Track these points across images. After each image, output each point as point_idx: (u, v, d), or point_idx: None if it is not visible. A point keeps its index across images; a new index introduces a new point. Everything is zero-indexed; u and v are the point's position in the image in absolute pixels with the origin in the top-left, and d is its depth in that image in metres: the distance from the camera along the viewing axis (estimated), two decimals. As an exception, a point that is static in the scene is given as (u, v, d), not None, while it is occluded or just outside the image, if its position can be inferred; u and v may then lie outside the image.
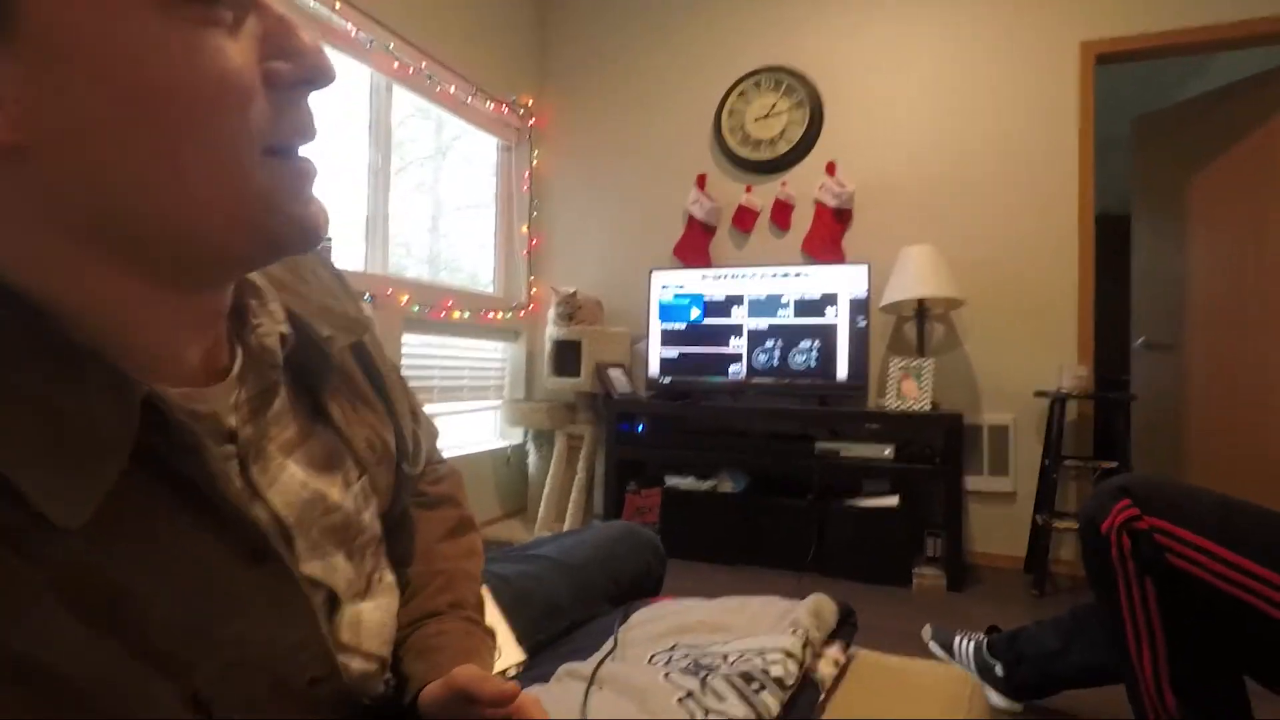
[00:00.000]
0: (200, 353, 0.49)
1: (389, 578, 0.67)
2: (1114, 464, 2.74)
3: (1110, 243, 3.81)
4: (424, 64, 3.00)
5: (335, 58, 2.34)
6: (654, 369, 3.36)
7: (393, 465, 0.67)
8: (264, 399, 0.53)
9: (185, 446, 0.43)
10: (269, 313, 0.55)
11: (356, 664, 0.59)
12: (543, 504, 3.38)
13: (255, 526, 0.48)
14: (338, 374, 0.61)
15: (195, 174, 0.40)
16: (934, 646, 1.93)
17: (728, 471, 3.14)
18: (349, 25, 2.60)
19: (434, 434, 0.83)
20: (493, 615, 0.83)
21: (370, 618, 0.61)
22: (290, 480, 0.54)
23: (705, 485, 3.11)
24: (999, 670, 1.61)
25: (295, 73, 0.44)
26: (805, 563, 2.82)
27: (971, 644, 1.74)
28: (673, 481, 3.16)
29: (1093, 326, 2.98)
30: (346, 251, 2.83)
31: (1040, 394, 2.88)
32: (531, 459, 3.61)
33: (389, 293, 2.79)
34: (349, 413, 0.62)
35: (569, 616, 0.99)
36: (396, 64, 2.85)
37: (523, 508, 3.69)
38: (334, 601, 0.57)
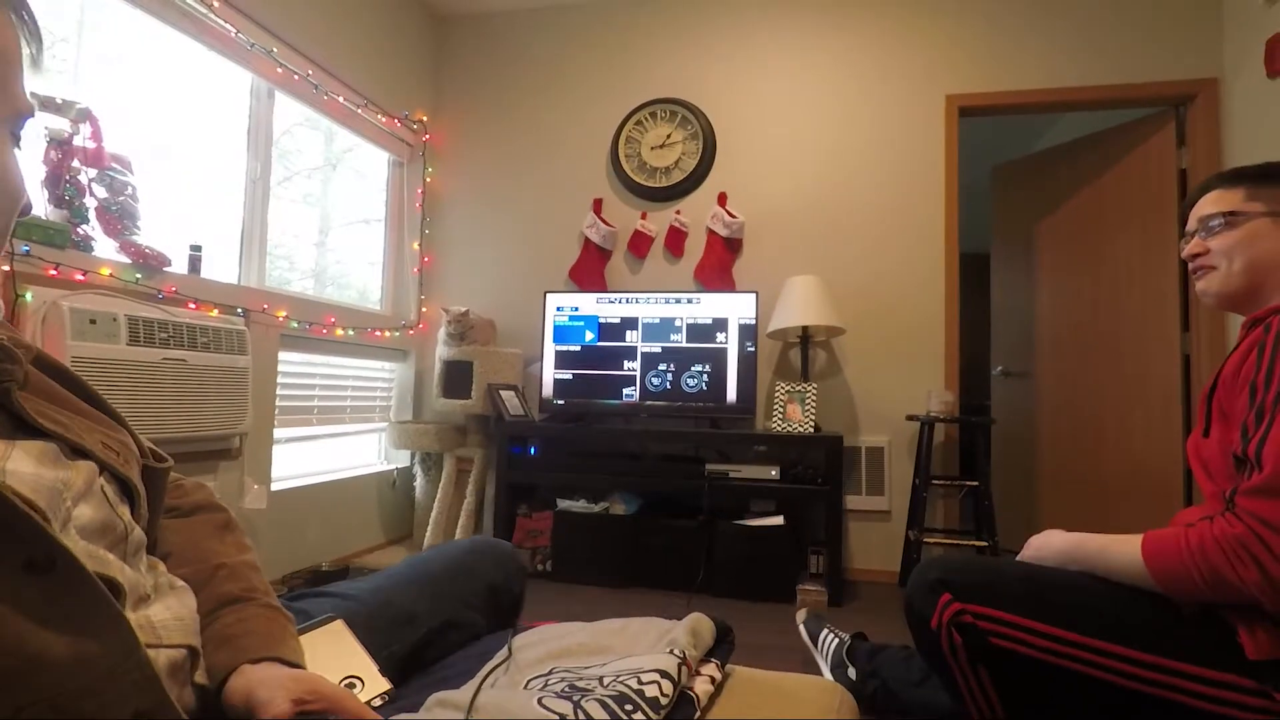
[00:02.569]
0: None
1: (174, 580, 0.66)
2: (976, 483, 2.96)
3: (974, 279, 4.14)
4: (310, 71, 2.88)
5: (213, 60, 2.21)
6: (548, 391, 3.34)
7: (138, 464, 0.66)
8: None
9: None
10: None
11: (164, 658, 0.57)
12: (429, 529, 3.26)
13: (36, 527, 0.45)
14: (33, 388, 0.60)
15: None
16: (803, 631, 1.97)
17: (620, 494, 3.15)
18: (228, 26, 2.47)
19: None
20: (351, 647, 0.80)
21: (162, 616, 0.59)
22: (20, 471, 0.52)
23: (597, 508, 3.10)
24: (851, 674, 1.66)
25: None
26: (695, 583, 2.86)
27: (835, 641, 1.80)
28: (564, 504, 3.13)
29: (958, 356, 3.22)
30: (221, 262, 2.66)
31: (911, 418, 3.08)
32: (418, 482, 3.48)
33: (264, 308, 2.63)
34: (69, 419, 0.61)
35: (426, 624, 0.99)
36: (280, 69, 2.73)
37: (408, 533, 3.54)
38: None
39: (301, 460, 3.06)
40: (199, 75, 2.56)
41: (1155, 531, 0.98)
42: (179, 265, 2.31)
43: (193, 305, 2.29)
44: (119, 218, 2.07)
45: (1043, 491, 3.53)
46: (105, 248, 2.09)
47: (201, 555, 0.72)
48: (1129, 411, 3.23)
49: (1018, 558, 1.18)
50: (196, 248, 2.39)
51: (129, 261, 2.11)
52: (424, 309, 3.76)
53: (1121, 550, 1.00)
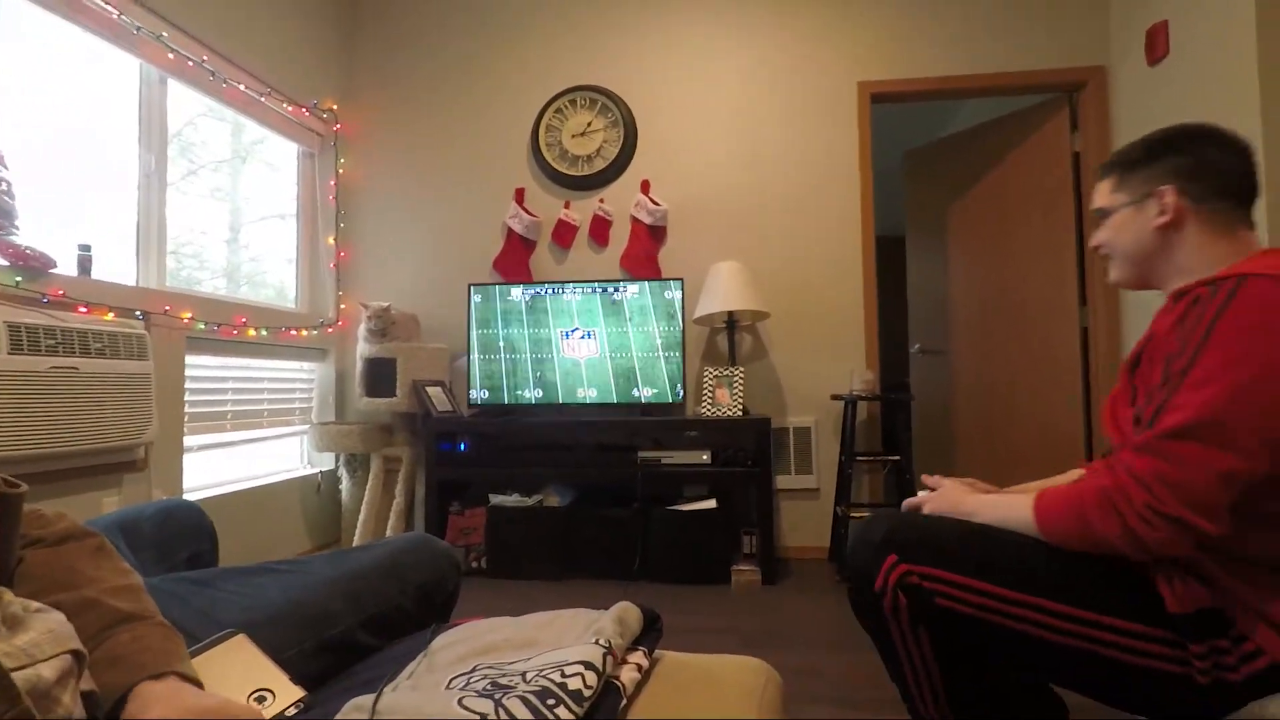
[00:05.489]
0: None
1: (33, 604, 0.62)
2: (897, 457, 3.07)
3: (891, 261, 4.29)
4: (206, 57, 2.72)
5: (96, 45, 2.06)
6: (475, 385, 3.28)
7: None
8: None
9: None
10: None
11: (48, 671, 0.54)
12: (358, 532, 3.17)
13: None
14: None
15: None
16: None
17: (554, 486, 3.13)
18: (110, 8, 2.30)
19: None
20: (256, 659, 0.78)
21: (26, 639, 0.56)
22: None
23: (531, 501, 3.07)
24: None
25: None
26: (632, 570, 2.87)
27: None
28: (497, 500, 3.09)
29: (877, 336, 3.33)
30: (118, 263, 2.49)
31: (836, 397, 3.17)
32: (345, 485, 3.37)
33: (166, 309, 2.48)
34: None
35: (343, 622, 0.97)
36: (172, 55, 2.56)
37: (336, 538, 3.43)
38: None
39: (217, 468, 2.92)
40: (82, 61, 2.38)
41: (1048, 489, 1.04)
42: (67, 267, 2.16)
43: (84, 309, 2.14)
44: (-7, 217, 1.91)
45: (960, 460, 3.70)
46: (-21, 250, 1.93)
47: (77, 581, 0.68)
48: (1036, 381, 3.41)
49: (925, 510, 1.20)
50: (86, 248, 2.23)
51: (6, 264, 1.95)
52: (342, 305, 3.63)
53: (1019, 508, 1.05)
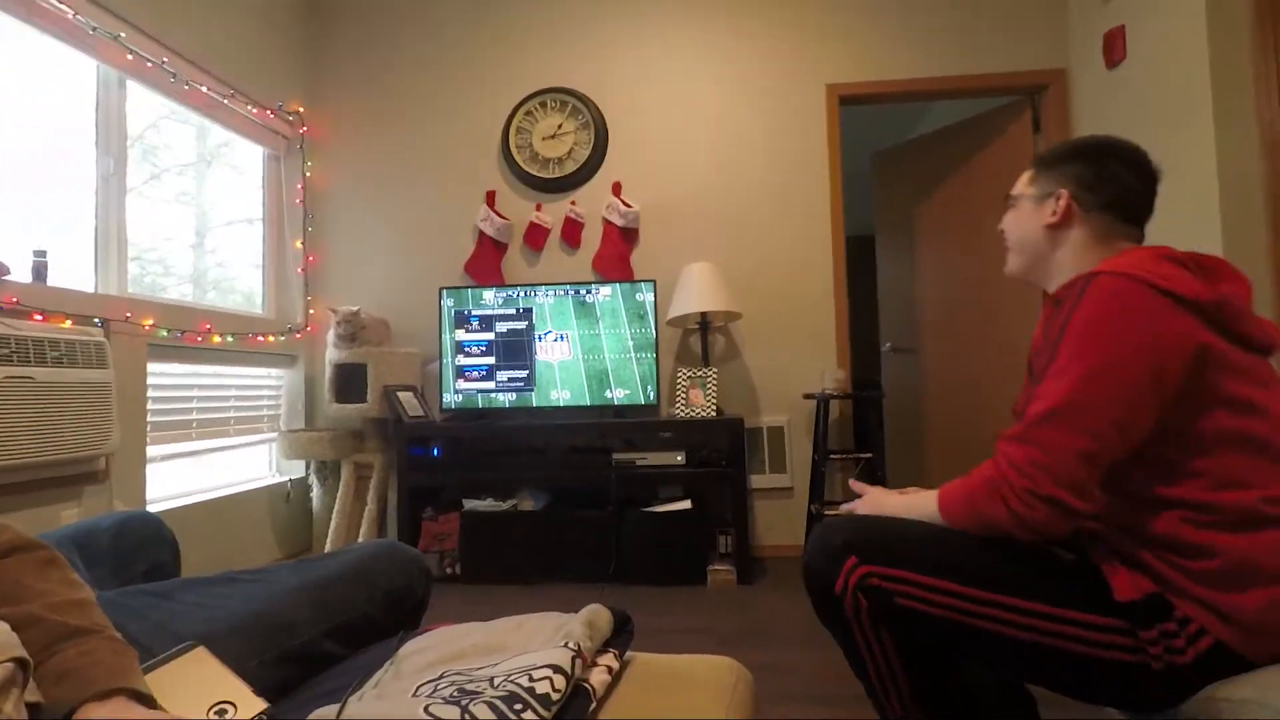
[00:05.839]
0: None
1: None
2: (870, 455, 3.10)
3: (861, 261, 4.34)
4: (166, 59, 2.67)
5: (50, 45, 2.00)
6: (448, 390, 3.25)
7: None
8: None
9: None
10: None
11: None
12: (329, 541, 3.13)
13: None
14: None
15: None
16: None
17: (528, 490, 3.12)
18: (64, 7, 2.25)
19: None
20: (216, 672, 0.76)
21: None
22: None
23: (505, 505, 3.05)
24: None
25: None
26: (608, 572, 2.87)
27: None
28: (471, 504, 3.06)
29: (848, 335, 3.37)
30: (76, 270, 2.43)
31: (808, 396, 3.19)
32: (315, 493, 3.32)
33: (127, 316, 2.43)
34: None
35: (307, 632, 0.96)
36: (130, 56, 2.51)
37: (307, 547, 3.38)
38: None
39: (183, 478, 2.86)
40: (37, 63, 2.32)
41: (948, 484, 1.11)
42: (21, 274, 2.10)
43: (39, 317, 2.09)
44: (-58, 223, 1.85)
45: (931, 457, 3.75)
46: (-72, 257, 1.87)
47: (24, 595, 0.66)
48: (1004, 378, 3.46)
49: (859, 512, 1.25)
50: (41, 254, 2.17)
51: (-42, 271, 1.90)
52: (311, 311, 3.57)
53: (929, 503, 1.11)
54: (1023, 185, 1.26)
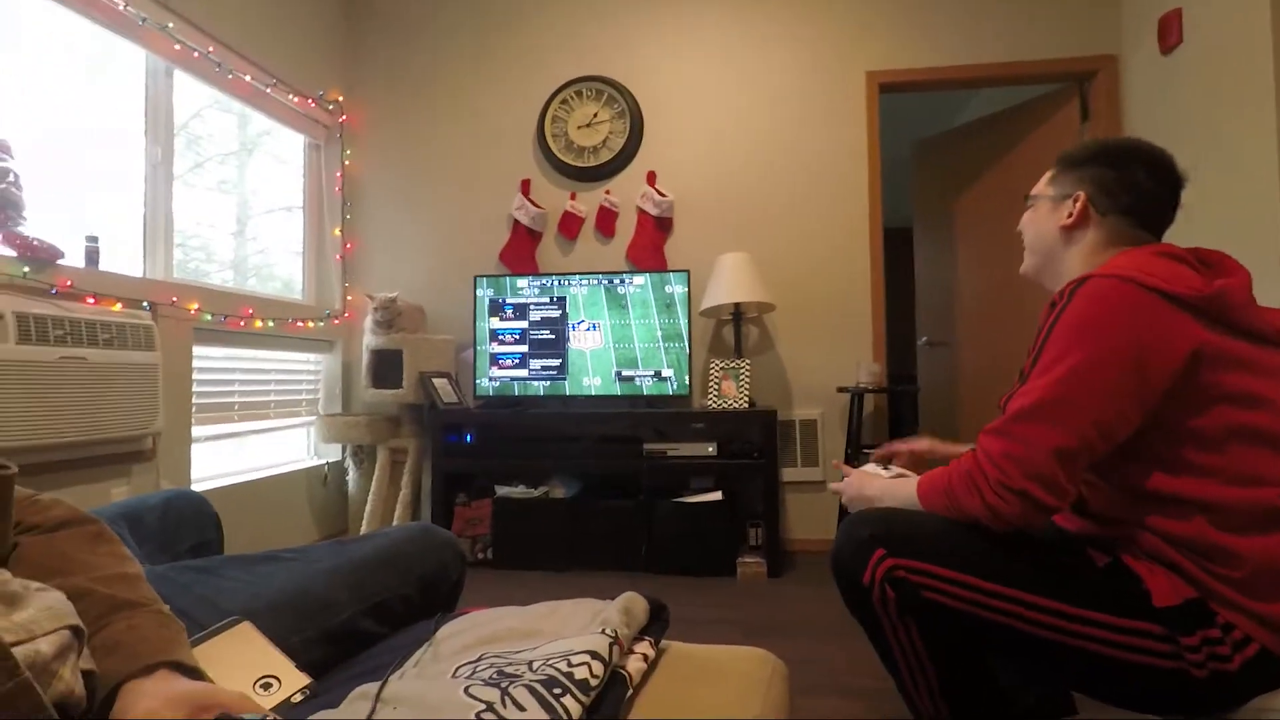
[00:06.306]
0: None
1: (33, 584, 0.62)
2: (904, 450, 3.05)
3: (899, 252, 4.27)
4: (212, 48, 2.72)
5: (103, 36, 2.06)
6: (482, 377, 3.28)
7: None
8: None
9: None
10: None
11: (46, 646, 0.54)
12: (365, 523, 3.18)
13: None
14: None
15: None
16: None
17: (559, 478, 3.14)
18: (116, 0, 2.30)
19: None
20: (261, 646, 0.78)
21: (25, 615, 0.56)
22: None
23: (537, 493, 3.08)
24: None
25: None
26: (637, 562, 2.88)
27: None
28: (503, 491, 3.09)
29: (884, 328, 3.31)
30: (126, 255, 2.50)
31: (842, 389, 3.15)
32: (351, 476, 3.39)
33: (173, 300, 2.49)
34: None
35: (346, 610, 0.98)
36: (178, 46, 2.56)
37: (343, 528, 3.45)
38: None
39: (225, 459, 2.93)
40: (89, 52, 2.38)
41: (929, 472, 1.12)
42: (74, 258, 2.16)
43: (92, 300, 2.15)
44: (0, 207, 1.91)
45: (967, 455, 3.68)
46: (-13, 240, 1.93)
47: (74, 568, 0.68)
48: (1043, 375, 3.39)
49: (843, 497, 1.29)
50: (93, 239, 2.23)
51: (14, 255, 1.96)
52: (348, 297, 3.63)
53: (909, 489, 1.14)
54: (1042, 185, 1.25)
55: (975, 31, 3.27)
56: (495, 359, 3.28)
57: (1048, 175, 1.25)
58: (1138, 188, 1.12)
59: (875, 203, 3.32)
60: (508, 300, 3.29)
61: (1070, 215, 1.17)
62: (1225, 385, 0.95)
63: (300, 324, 3.26)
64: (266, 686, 0.76)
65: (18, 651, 0.49)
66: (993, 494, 0.98)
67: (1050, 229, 1.20)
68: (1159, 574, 0.97)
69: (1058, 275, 1.20)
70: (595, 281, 3.23)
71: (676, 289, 3.17)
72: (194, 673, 0.65)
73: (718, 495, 2.93)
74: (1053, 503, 0.97)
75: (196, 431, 2.66)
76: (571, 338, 3.23)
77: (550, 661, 0.79)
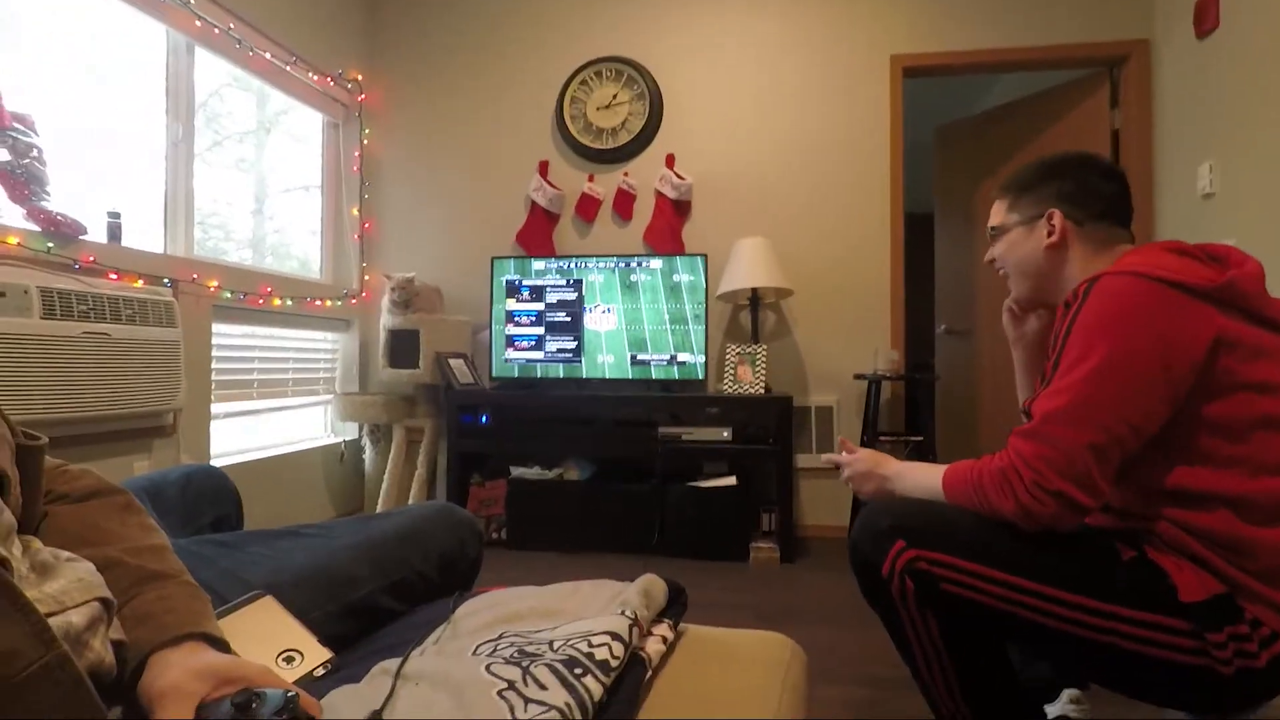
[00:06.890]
0: None
1: (63, 554, 0.62)
2: (920, 437, 3.04)
3: (919, 239, 4.22)
4: (233, 25, 2.72)
5: (124, 12, 2.05)
6: (498, 358, 3.29)
7: (9, 447, 0.63)
8: None
9: None
10: None
11: (77, 617, 0.55)
12: (380, 502, 3.21)
13: None
14: None
15: None
16: None
17: (573, 460, 3.14)
18: (137, -26, 2.30)
19: None
20: (284, 621, 0.78)
21: (56, 586, 0.56)
22: None
23: (551, 474, 3.09)
24: None
25: None
26: (650, 545, 2.88)
27: None
28: (518, 472, 3.11)
29: (903, 315, 3.28)
30: (147, 231, 2.51)
31: (859, 376, 3.13)
32: (367, 455, 3.41)
33: (193, 278, 2.51)
34: None
35: (367, 586, 0.99)
36: (199, 23, 2.56)
37: (359, 506, 3.48)
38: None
39: (243, 435, 2.96)
40: (111, 28, 2.38)
41: (955, 464, 1.10)
42: (97, 234, 2.18)
43: (114, 276, 2.17)
44: (25, 182, 1.93)
45: (983, 442, 3.65)
46: (11, 215, 1.95)
47: (103, 538, 0.68)
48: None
49: (846, 473, 1.27)
50: (115, 215, 2.25)
51: (39, 230, 1.98)
52: (366, 277, 3.64)
53: (932, 478, 1.12)
54: (1001, 216, 1.27)
55: (1002, 14, 3.20)
56: (511, 340, 3.29)
57: (1003, 205, 1.27)
58: (1100, 192, 1.16)
59: (897, 188, 3.28)
60: (524, 282, 3.28)
61: (1051, 234, 1.18)
62: (1246, 373, 0.95)
63: (318, 303, 3.27)
64: (289, 660, 0.77)
65: (51, 623, 0.50)
66: (1028, 495, 0.97)
67: (1034, 252, 1.21)
68: (1186, 568, 0.96)
69: (1058, 290, 1.20)
70: (612, 264, 3.22)
71: (685, 277, 3.15)
72: (221, 645, 0.65)
73: (732, 480, 2.93)
74: (1089, 503, 0.96)
75: (216, 408, 2.69)
76: (587, 320, 3.23)
77: (571, 642, 0.79)
